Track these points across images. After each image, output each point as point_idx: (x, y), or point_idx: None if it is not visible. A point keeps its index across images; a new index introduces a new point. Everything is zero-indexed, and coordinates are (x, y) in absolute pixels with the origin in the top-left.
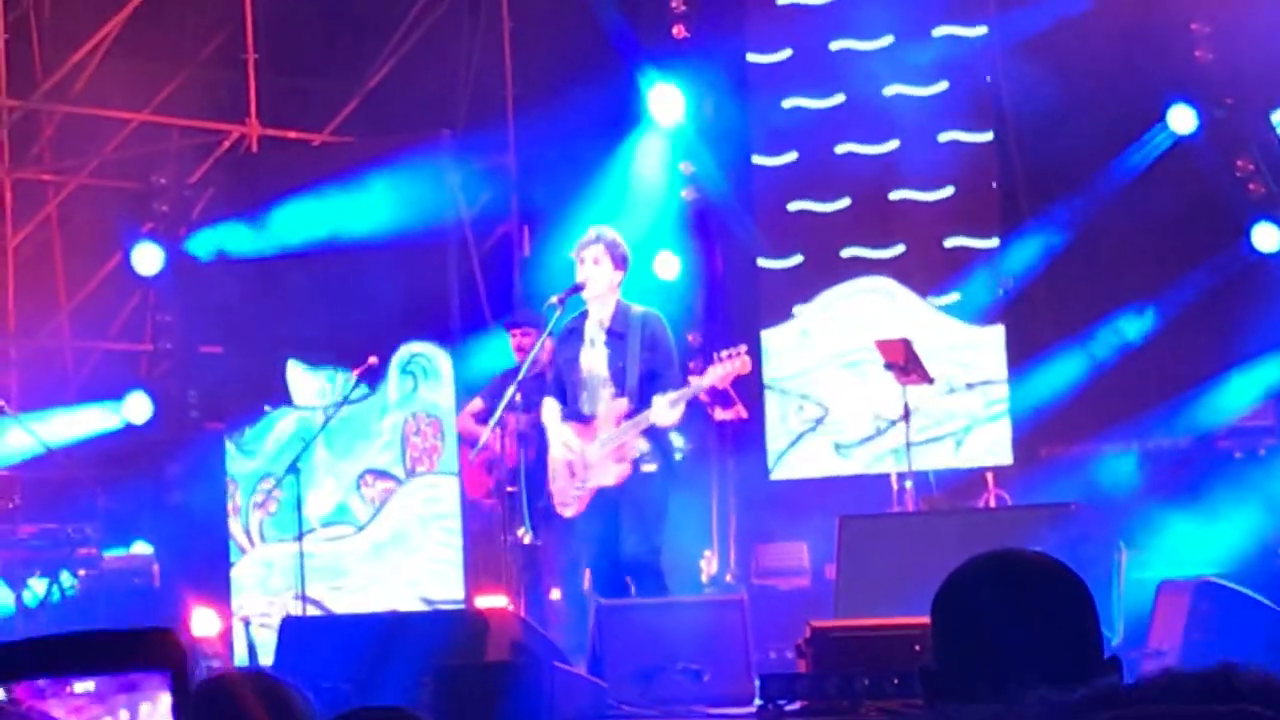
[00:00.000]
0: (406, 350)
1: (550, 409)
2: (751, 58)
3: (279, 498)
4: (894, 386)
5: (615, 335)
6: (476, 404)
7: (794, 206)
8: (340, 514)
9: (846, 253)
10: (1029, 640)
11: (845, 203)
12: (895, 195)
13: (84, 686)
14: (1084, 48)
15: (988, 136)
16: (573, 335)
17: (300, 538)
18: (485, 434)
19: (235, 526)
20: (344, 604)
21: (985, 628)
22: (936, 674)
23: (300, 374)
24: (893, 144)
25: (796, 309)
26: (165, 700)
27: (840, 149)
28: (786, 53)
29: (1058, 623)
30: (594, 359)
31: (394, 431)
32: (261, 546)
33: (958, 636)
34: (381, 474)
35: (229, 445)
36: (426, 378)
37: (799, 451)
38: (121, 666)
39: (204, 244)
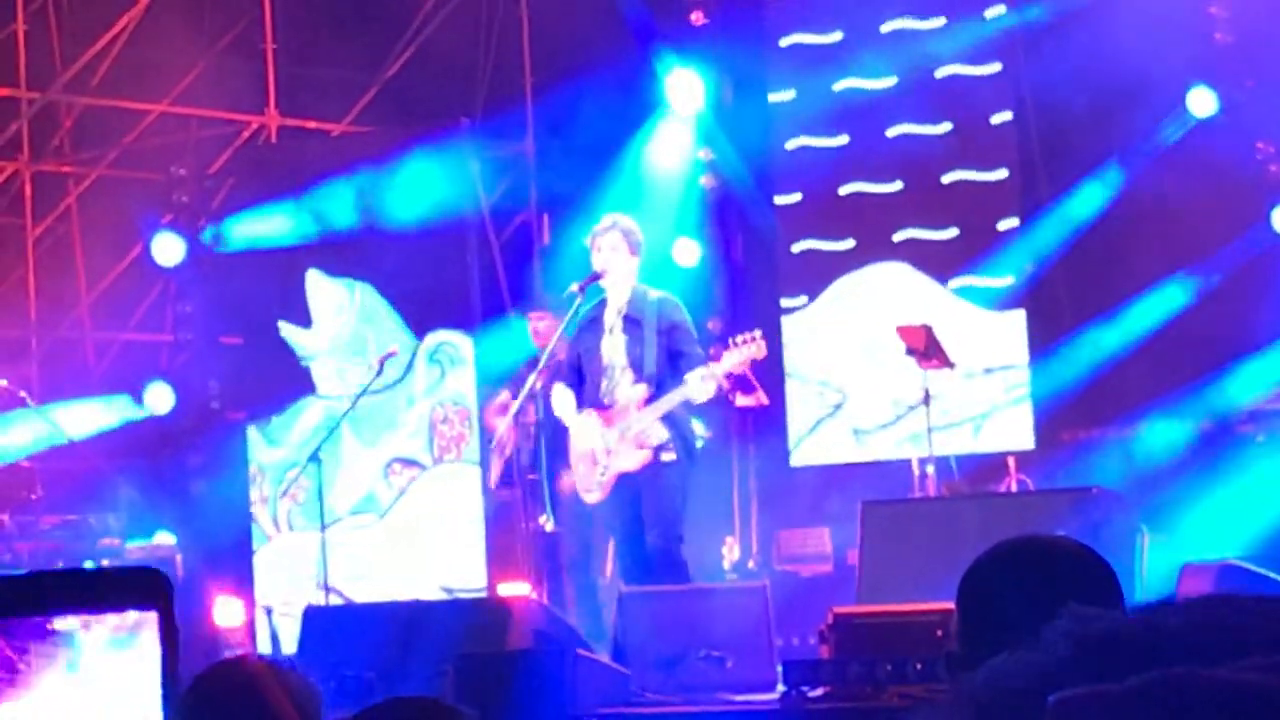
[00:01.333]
0: (433, 339)
1: (561, 396)
2: (796, 39)
3: (306, 486)
4: (912, 372)
5: (632, 322)
6: (504, 396)
7: (845, 190)
8: (369, 503)
9: (899, 235)
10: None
11: (898, 185)
12: (948, 178)
13: (65, 624)
14: (1104, 30)
15: (1006, 116)
16: (593, 324)
17: (324, 527)
18: (502, 426)
19: (263, 515)
20: (366, 593)
21: (1010, 613)
22: (961, 659)
23: (320, 282)
24: (946, 125)
25: (815, 295)
26: (149, 638)
27: (893, 131)
28: (837, 35)
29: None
30: (612, 346)
31: (421, 420)
32: (288, 535)
33: (982, 622)
34: (409, 462)
35: (255, 434)
36: (454, 366)
37: (817, 437)
38: (106, 604)
39: (224, 234)
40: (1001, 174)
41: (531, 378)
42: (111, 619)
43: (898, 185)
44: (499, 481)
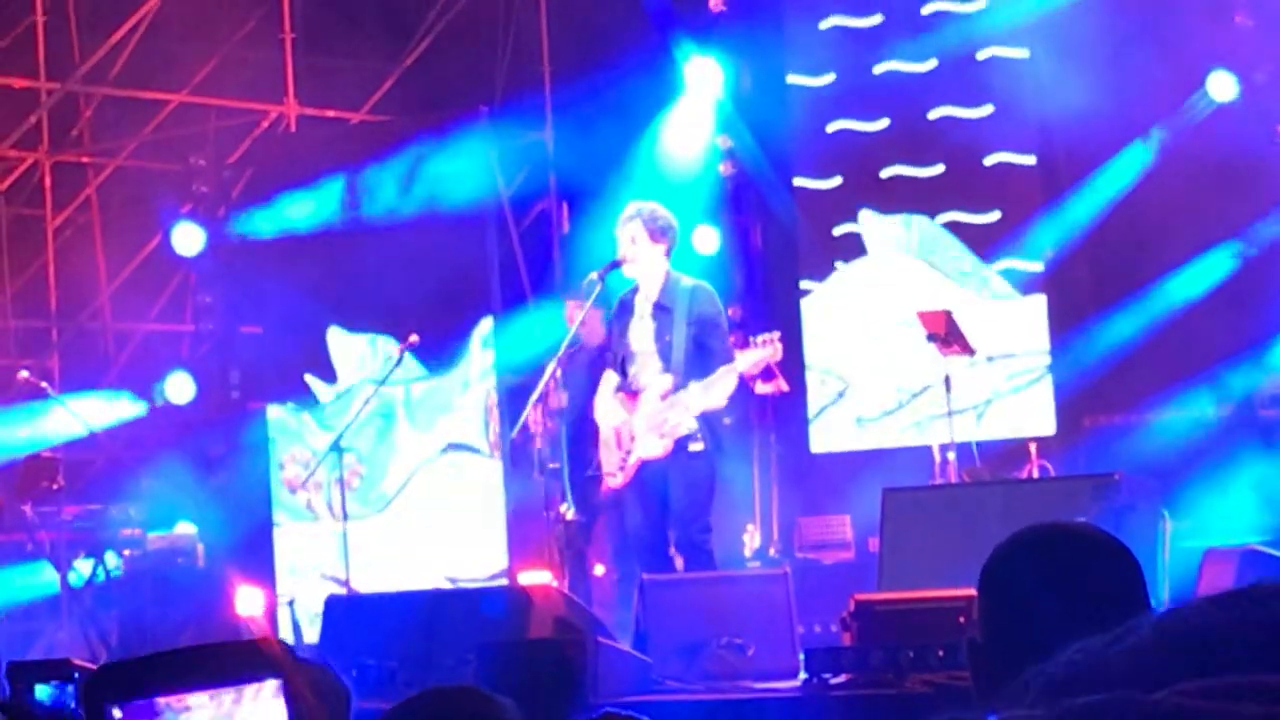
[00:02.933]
0: (487, 323)
1: (606, 381)
2: (835, 22)
3: (360, 472)
4: (918, 359)
5: (662, 309)
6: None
7: (886, 173)
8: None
9: (943, 218)
10: (1077, 612)
11: (940, 168)
12: (990, 160)
13: (197, 700)
14: (1122, 15)
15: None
16: (624, 309)
17: (345, 518)
18: (526, 411)
19: (318, 501)
20: (389, 582)
21: (1032, 600)
22: (983, 647)
23: (341, 339)
24: (986, 109)
25: (826, 279)
26: (269, 686)
27: (934, 114)
28: (877, 18)
29: (1106, 594)
30: (641, 333)
31: (476, 405)
32: (340, 522)
33: (1004, 609)
34: (464, 448)
35: (309, 420)
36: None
37: (822, 424)
38: (232, 678)
39: (244, 224)
40: (1030, 159)
41: (551, 365)
42: (237, 691)
43: (940, 169)
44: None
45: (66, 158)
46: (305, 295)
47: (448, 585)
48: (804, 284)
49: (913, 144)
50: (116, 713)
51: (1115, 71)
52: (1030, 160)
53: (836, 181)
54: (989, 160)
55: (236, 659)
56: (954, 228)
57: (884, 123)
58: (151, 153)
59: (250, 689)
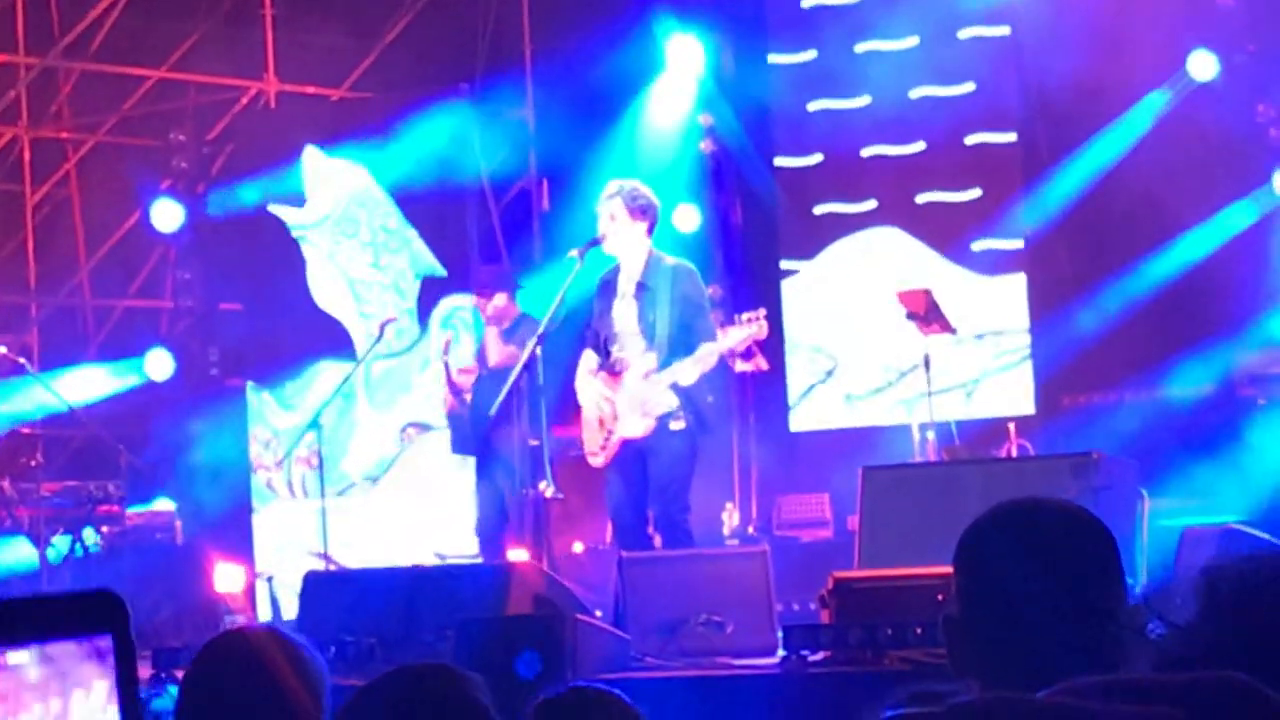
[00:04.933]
0: (447, 303)
1: (586, 360)
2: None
3: (321, 452)
4: (906, 337)
5: (644, 289)
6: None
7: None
8: (382, 468)
9: (922, 198)
10: (1052, 587)
11: (920, 146)
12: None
13: (17, 658)
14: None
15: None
16: (606, 288)
17: (324, 494)
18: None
19: (278, 480)
20: (365, 559)
21: (1008, 575)
22: (959, 621)
23: (316, 159)
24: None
25: (808, 260)
26: (99, 687)
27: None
28: None
29: (1081, 569)
30: (624, 312)
31: (435, 384)
32: (303, 500)
33: (980, 584)
34: (423, 427)
35: (269, 399)
36: (468, 329)
37: (810, 402)
38: (58, 633)
39: (223, 200)
40: (1010, 137)
41: (530, 344)
42: (67, 647)
43: (920, 146)
44: (452, 445)
45: (45, 133)
46: (285, 272)
47: (436, 561)
48: (785, 264)
49: (894, 122)
50: None
51: (1097, 50)
52: (1010, 138)
53: (818, 159)
54: (970, 139)
55: (66, 611)
56: (934, 207)
57: (865, 100)
58: (131, 128)
59: (78, 646)
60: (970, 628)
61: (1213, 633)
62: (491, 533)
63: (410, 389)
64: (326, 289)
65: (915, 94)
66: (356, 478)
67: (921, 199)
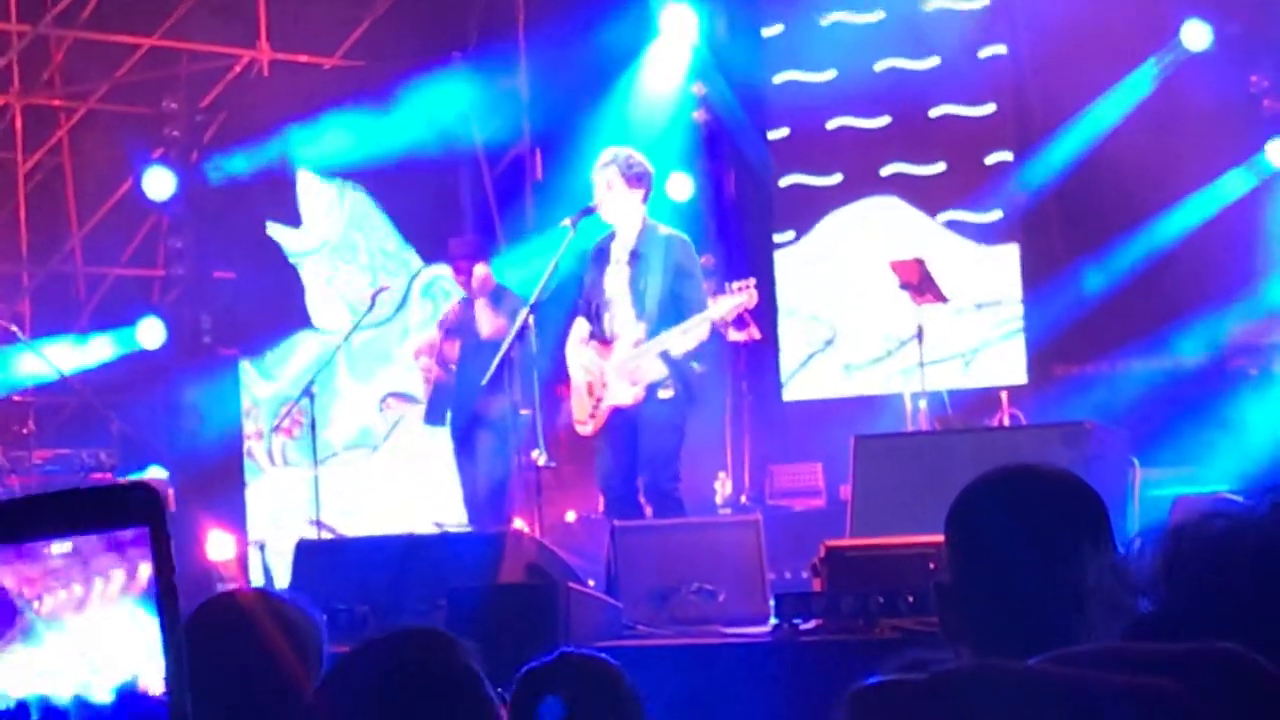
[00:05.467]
0: (428, 273)
1: (577, 328)
2: None
3: (301, 421)
4: (904, 307)
5: (638, 257)
6: (434, 335)
7: (832, 124)
8: (364, 438)
9: (886, 170)
10: (1043, 553)
11: (885, 120)
12: (935, 112)
13: (61, 548)
14: None
15: (1001, 49)
16: (600, 256)
17: (316, 462)
18: (422, 362)
19: (259, 450)
20: (357, 528)
21: (999, 541)
22: (950, 588)
23: (310, 183)
24: (934, 60)
25: (809, 230)
26: (117, 575)
27: (881, 65)
28: None
29: (1071, 536)
30: (616, 280)
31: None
32: (283, 470)
33: (971, 550)
34: (403, 397)
35: (250, 369)
36: (448, 300)
37: (809, 372)
38: (96, 524)
39: (216, 168)
40: (989, 109)
41: (523, 313)
42: (104, 539)
43: (886, 120)
44: (427, 417)
45: (38, 100)
46: (274, 242)
47: (433, 530)
48: (778, 236)
49: (861, 96)
50: None
51: (1089, 18)
52: (983, 111)
53: (784, 133)
54: (934, 113)
55: (101, 504)
56: (901, 179)
57: (830, 74)
58: (123, 96)
59: (114, 538)
60: (961, 595)
61: (1176, 595)
62: (482, 503)
63: (390, 360)
64: (325, 312)
65: (880, 66)
66: (338, 447)
67: (891, 170)
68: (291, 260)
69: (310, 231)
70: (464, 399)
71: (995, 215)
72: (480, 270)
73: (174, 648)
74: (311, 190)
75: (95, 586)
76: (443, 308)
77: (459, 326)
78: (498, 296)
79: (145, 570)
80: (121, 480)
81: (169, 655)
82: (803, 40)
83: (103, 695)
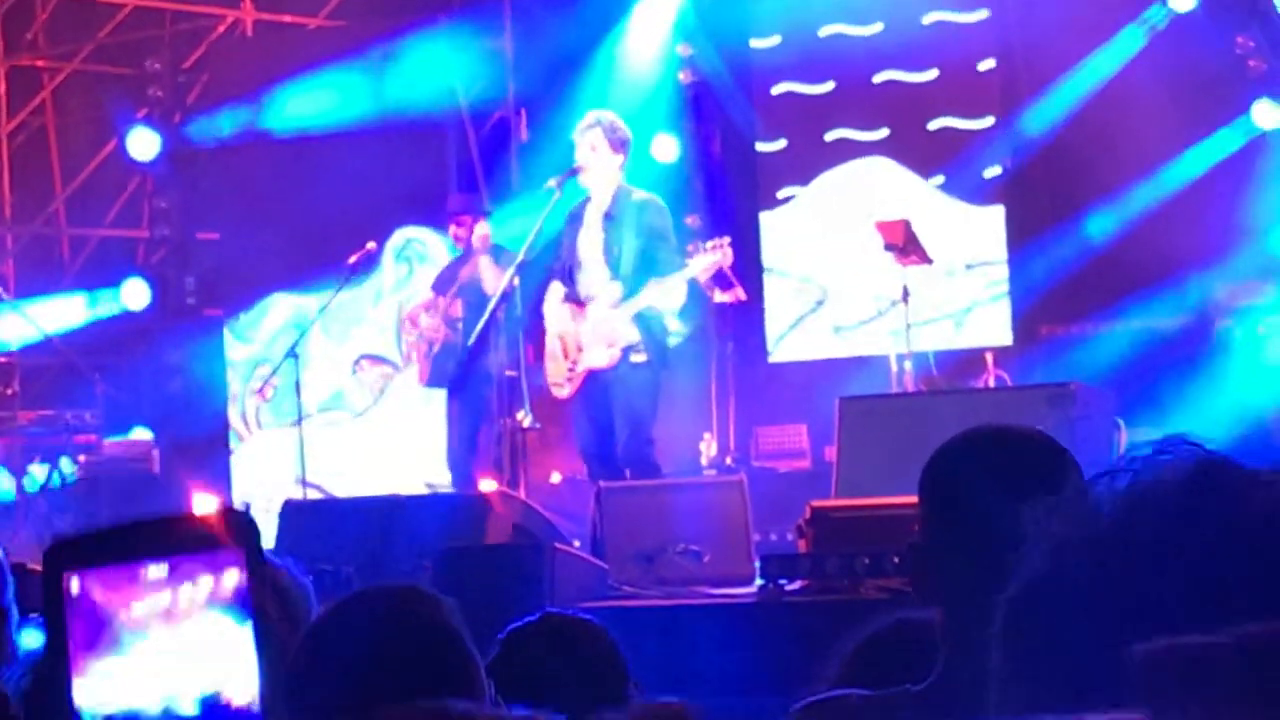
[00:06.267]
0: (401, 235)
1: (553, 291)
2: None
3: (276, 384)
4: (893, 268)
5: (612, 220)
6: (429, 297)
7: (779, 89)
8: (337, 400)
9: (831, 135)
10: (1015, 514)
11: (831, 85)
12: (880, 77)
13: (157, 573)
14: None
15: (983, 15)
16: (575, 219)
17: (299, 423)
18: (425, 322)
19: (233, 413)
20: (345, 488)
21: (972, 503)
22: (925, 549)
23: None
24: (878, 26)
25: (794, 191)
26: (204, 581)
27: (826, 31)
28: None
29: (1044, 495)
30: (590, 242)
31: (389, 316)
32: (259, 432)
33: (945, 512)
34: (377, 359)
35: (225, 330)
36: (422, 263)
37: (798, 333)
38: (193, 548)
39: (200, 129)
40: (988, 121)
41: (509, 273)
42: (199, 563)
43: (884, 132)
44: (430, 379)
45: (21, 61)
46: (261, 202)
47: (423, 491)
48: (766, 197)
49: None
50: (74, 581)
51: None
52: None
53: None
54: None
55: (196, 531)
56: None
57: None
58: (107, 57)
59: (209, 561)
60: (936, 556)
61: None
62: (465, 463)
63: (363, 321)
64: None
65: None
66: (312, 409)
67: (880, 134)
68: None
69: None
70: (474, 358)
71: (972, 178)
72: (481, 228)
73: (270, 666)
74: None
75: (183, 594)
76: (417, 270)
77: (465, 284)
78: (498, 253)
79: (232, 578)
80: (220, 509)
81: (264, 674)
82: (799, 51)
83: (188, 707)
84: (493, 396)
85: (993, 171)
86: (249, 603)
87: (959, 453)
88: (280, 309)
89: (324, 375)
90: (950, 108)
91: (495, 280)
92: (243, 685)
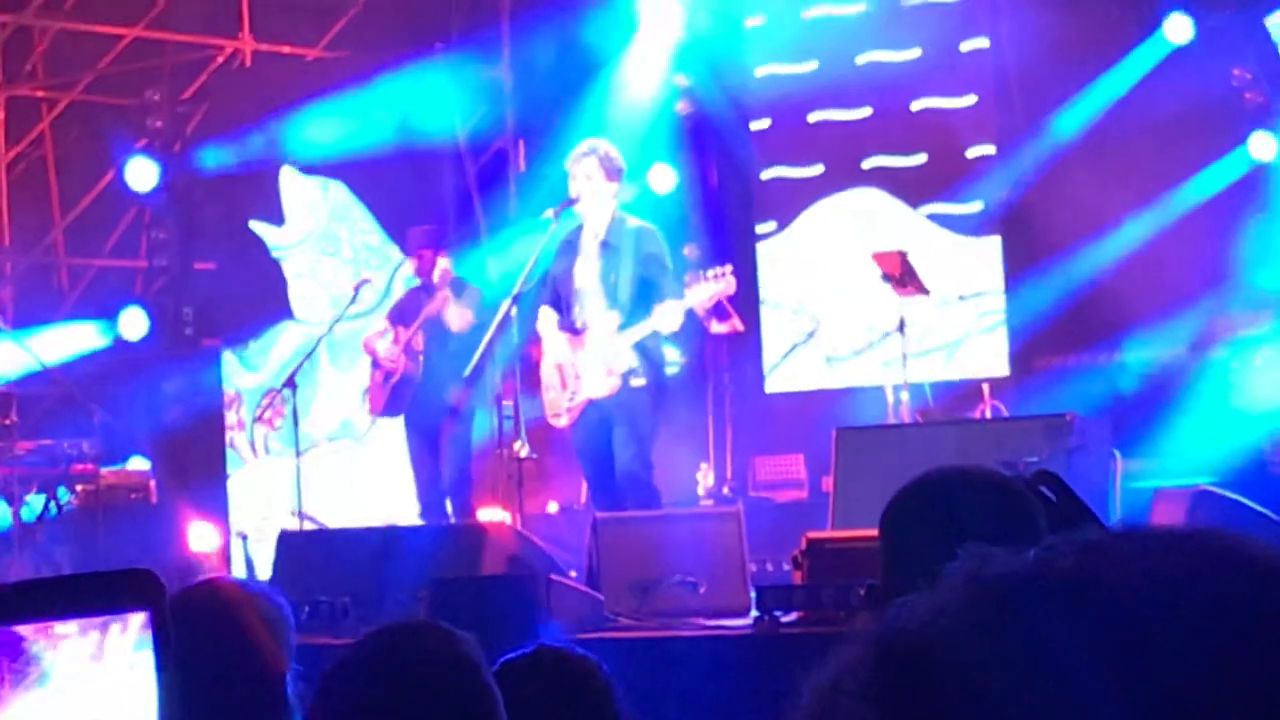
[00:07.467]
0: (408, 266)
1: (545, 318)
2: None
3: (283, 412)
4: (886, 298)
5: (609, 248)
6: (383, 326)
7: (814, 117)
8: (346, 429)
9: (868, 163)
10: None
11: (867, 111)
12: (916, 105)
13: (65, 629)
14: None
15: (984, 43)
16: (568, 247)
17: (299, 453)
18: (383, 351)
19: (241, 440)
20: (343, 521)
21: (924, 546)
22: (882, 591)
23: (292, 179)
24: (915, 51)
25: (791, 221)
26: (134, 621)
27: (862, 58)
28: None
29: (997, 540)
30: (586, 271)
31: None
32: (265, 459)
33: (899, 554)
34: None
35: (232, 359)
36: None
37: (790, 364)
38: (101, 608)
39: (199, 159)
40: (970, 100)
41: (505, 304)
42: (96, 623)
43: (867, 111)
44: (385, 409)
45: (20, 91)
46: (260, 233)
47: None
48: (760, 227)
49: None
50: None
51: (1071, 11)
52: (965, 103)
53: (765, 123)
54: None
55: (106, 588)
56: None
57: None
58: (106, 87)
59: (119, 621)
60: (894, 597)
61: None
62: (449, 495)
63: None
64: (309, 306)
65: (862, 60)
66: (320, 438)
67: (868, 164)
68: (274, 255)
69: (293, 226)
70: (432, 390)
71: (976, 206)
72: (443, 261)
73: (169, 691)
74: (294, 185)
75: (111, 635)
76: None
77: (429, 318)
78: (459, 288)
79: (139, 636)
80: (125, 569)
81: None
82: (784, 32)
83: None
84: (452, 427)
85: (988, 202)
86: (158, 666)
87: (914, 495)
88: (290, 337)
89: (333, 405)
90: (971, 135)
91: (460, 316)
92: None
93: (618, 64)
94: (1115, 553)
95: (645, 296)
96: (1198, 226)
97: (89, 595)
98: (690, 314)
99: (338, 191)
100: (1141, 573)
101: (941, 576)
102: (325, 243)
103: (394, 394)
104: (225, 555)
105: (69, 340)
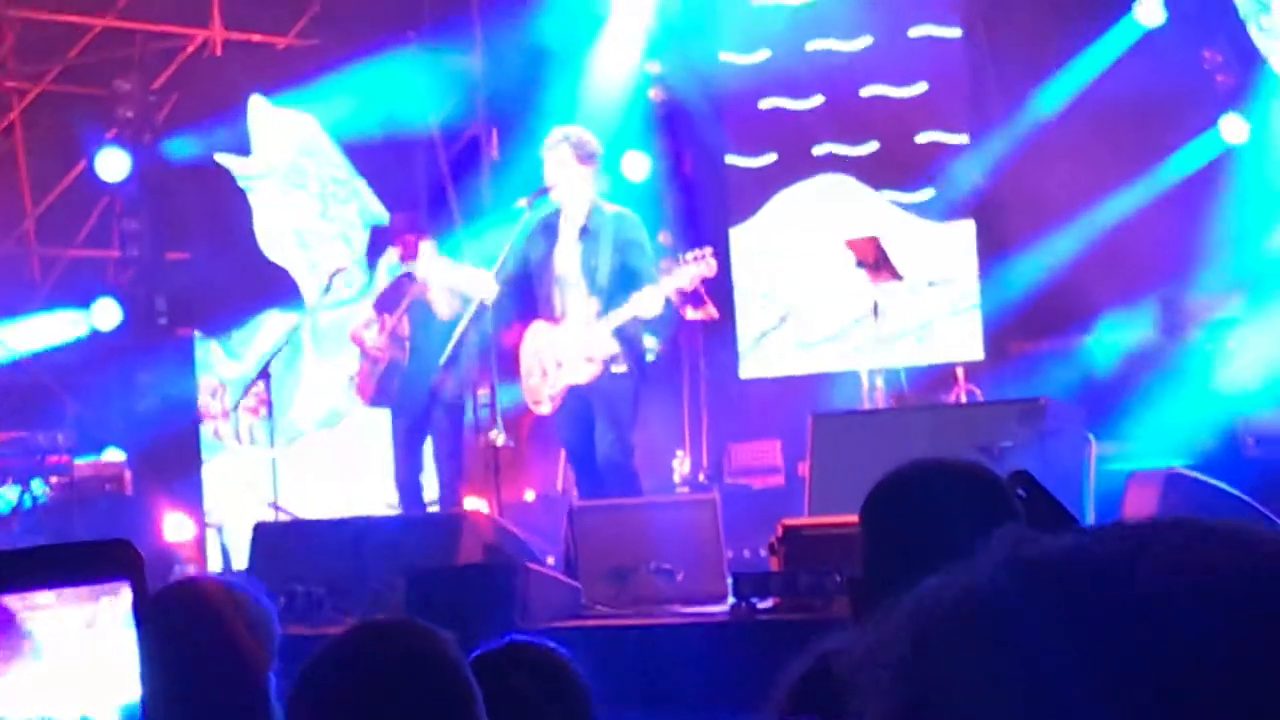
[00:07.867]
0: (393, 253)
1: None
2: None
3: (268, 400)
4: (858, 284)
5: (588, 234)
6: (369, 315)
7: (765, 104)
8: (334, 418)
9: (819, 149)
10: (946, 549)
11: (818, 100)
12: (867, 92)
13: (45, 599)
14: None
15: (957, 32)
16: (547, 231)
17: (272, 444)
18: (370, 340)
19: (225, 429)
20: (326, 508)
21: (902, 537)
22: (863, 582)
23: (261, 109)
24: (865, 40)
25: (761, 208)
26: (125, 594)
27: (812, 46)
28: None
29: (975, 530)
30: (567, 257)
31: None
32: (251, 448)
33: (879, 545)
34: None
35: (216, 348)
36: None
37: (764, 349)
38: (82, 578)
39: (170, 149)
40: (922, 87)
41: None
42: (80, 592)
43: (819, 100)
44: (374, 398)
45: None
46: (232, 221)
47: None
48: (738, 214)
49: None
50: None
51: (1043, 13)
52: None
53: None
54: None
55: (86, 559)
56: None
57: (764, 54)
58: (76, 77)
59: (99, 590)
60: (874, 588)
61: None
62: (414, 484)
63: None
64: (274, 240)
65: (813, 46)
66: (306, 427)
67: (818, 150)
68: (240, 185)
69: (260, 157)
70: (419, 376)
71: (928, 194)
72: (427, 247)
73: (152, 691)
74: (262, 115)
75: (103, 607)
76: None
77: (414, 304)
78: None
79: (123, 603)
80: (104, 540)
81: (146, 694)
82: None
83: (108, 717)
84: (441, 416)
85: (944, 188)
86: (138, 633)
87: (897, 486)
88: (273, 326)
89: (319, 394)
90: (931, 122)
91: (447, 303)
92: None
93: (590, 51)
94: (1159, 542)
95: (625, 283)
96: (1170, 209)
97: (69, 565)
98: (665, 301)
99: (306, 123)
100: (1180, 563)
101: (977, 553)
102: (292, 175)
103: (382, 381)
104: (200, 545)
105: (42, 331)
